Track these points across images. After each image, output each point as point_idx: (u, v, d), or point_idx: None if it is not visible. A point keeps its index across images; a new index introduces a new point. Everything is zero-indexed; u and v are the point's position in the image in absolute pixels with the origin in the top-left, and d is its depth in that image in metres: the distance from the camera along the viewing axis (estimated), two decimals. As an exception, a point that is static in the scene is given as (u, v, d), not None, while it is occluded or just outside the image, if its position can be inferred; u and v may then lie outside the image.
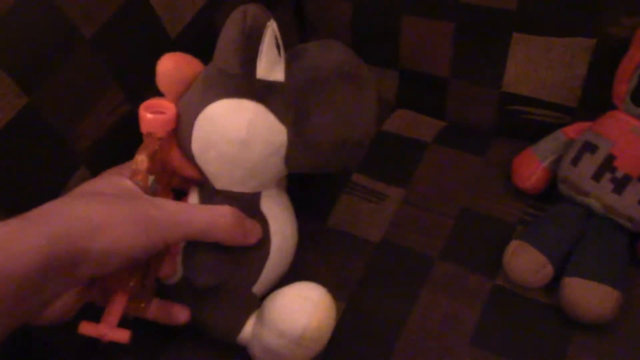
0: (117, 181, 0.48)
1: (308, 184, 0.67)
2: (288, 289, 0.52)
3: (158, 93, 0.53)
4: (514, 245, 0.58)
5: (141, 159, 0.48)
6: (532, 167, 0.62)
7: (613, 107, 0.59)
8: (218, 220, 0.48)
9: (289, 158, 0.51)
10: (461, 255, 0.61)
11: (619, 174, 0.55)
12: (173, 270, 0.52)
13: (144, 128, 0.50)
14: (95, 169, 0.54)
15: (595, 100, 0.64)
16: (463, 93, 0.72)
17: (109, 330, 0.46)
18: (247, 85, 0.48)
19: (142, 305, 0.50)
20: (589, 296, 0.53)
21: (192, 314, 0.53)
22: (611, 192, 0.55)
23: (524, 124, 0.70)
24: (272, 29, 0.49)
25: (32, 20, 0.49)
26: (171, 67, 0.51)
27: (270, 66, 0.49)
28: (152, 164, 0.49)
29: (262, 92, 0.49)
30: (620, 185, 0.55)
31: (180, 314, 0.52)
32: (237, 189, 0.52)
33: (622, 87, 0.57)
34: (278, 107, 0.49)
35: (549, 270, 0.56)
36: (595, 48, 0.62)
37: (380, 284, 0.60)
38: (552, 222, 0.58)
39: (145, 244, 0.43)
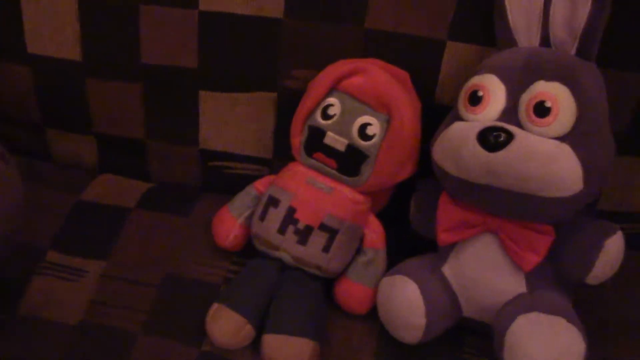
0: None
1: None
2: None
3: None
4: (213, 309, 0.56)
5: None
6: (228, 225, 0.61)
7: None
8: None
9: None
10: (166, 326, 0.58)
11: (301, 225, 0.56)
12: None
13: None
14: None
15: (288, 150, 0.65)
16: (163, 153, 0.70)
17: None
18: None
19: None
20: (286, 351, 0.53)
21: None
22: (296, 244, 0.56)
23: (227, 178, 0.69)
24: None
25: None
26: None
27: None
28: None
29: None
30: (303, 236, 0.56)
31: None
32: None
33: (296, 140, 0.59)
34: None
35: (248, 330, 0.55)
36: (278, 101, 0.63)
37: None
38: (247, 279, 0.58)
39: None
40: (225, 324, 0.55)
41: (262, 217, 0.58)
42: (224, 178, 0.70)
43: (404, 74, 0.58)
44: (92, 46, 0.65)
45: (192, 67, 0.64)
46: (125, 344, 0.57)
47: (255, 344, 0.55)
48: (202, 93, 0.65)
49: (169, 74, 0.64)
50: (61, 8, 0.63)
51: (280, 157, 0.67)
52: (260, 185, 0.62)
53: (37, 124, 0.71)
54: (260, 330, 0.55)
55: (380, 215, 0.60)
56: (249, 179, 0.66)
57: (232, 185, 0.68)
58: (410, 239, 0.62)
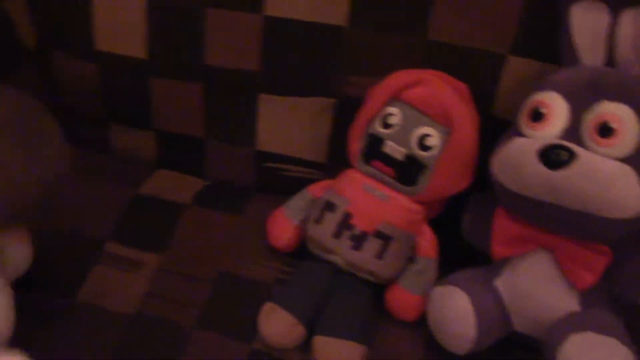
0: None
1: (56, 256, 0.63)
2: None
3: None
4: (266, 308, 0.57)
5: None
6: (283, 227, 0.63)
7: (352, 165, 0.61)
8: None
9: None
10: (219, 322, 0.59)
11: (356, 231, 0.57)
12: None
13: None
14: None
15: (343, 155, 0.66)
16: (220, 152, 0.71)
17: None
18: None
19: None
20: (335, 354, 0.54)
21: None
22: (351, 249, 0.57)
23: (281, 180, 0.71)
24: None
25: None
26: None
27: None
28: None
29: None
30: (358, 242, 0.57)
31: None
32: None
33: (354, 147, 0.60)
34: None
35: (300, 330, 0.56)
36: (336, 106, 0.65)
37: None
38: (301, 281, 0.59)
39: None
40: (278, 323, 0.56)
41: (318, 221, 0.59)
42: (277, 179, 0.71)
43: (464, 87, 0.58)
44: (158, 46, 0.66)
45: (253, 70, 0.65)
46: (179, 337, 0.58)
47: (306, 345, 0.57)
48: (262, 96, 0.66)
49: (230, 76, 0.66)
50: (131, 7, 0.65)
51: (334, 162, 0.68)
52: (315, 189, 0.63)
53: (101, 118, 0.74)
54: (311, 331, 0.56)
55: (430, 223, 0.61)
56: (303, 182, 0.68)
57: (285, 187, 0.70)
58: (459, 247, 0.62)
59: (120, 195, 0.70)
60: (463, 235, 0.62)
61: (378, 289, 0.60)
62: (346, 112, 0.64)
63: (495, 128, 0.57)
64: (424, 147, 0.56)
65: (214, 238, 0.66)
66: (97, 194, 0.70)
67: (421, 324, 0.58)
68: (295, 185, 0.68)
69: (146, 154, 0.75)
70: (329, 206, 0.59)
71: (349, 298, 0.58)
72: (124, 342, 0.58)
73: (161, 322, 0.59)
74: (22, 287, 0.53)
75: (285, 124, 0.67)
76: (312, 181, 0.67)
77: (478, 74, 0.60)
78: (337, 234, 0.57)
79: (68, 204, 0.68)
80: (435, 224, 0.61)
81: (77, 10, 0.67)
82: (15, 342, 0.52)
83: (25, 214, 0.52)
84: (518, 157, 0.50)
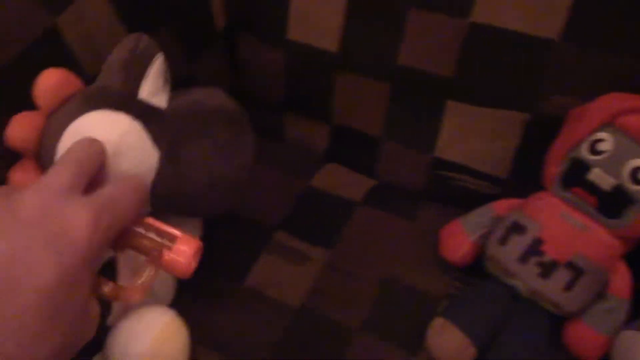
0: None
1: (227, 239, 0.64)
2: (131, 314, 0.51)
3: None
4: (438, 323, 0.56)
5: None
6: (459, 241, 0.61)
7: (542, 187, 0.58)
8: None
9: (157, 186, 0.48)
10: (383, 329, 0.59)
11: (546, 259, 0.54)
12: None
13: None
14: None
15: (525, 173, 0.63)
16: (394, 154, 0.70)
17: None
18: (125, 101, 0.47)
19: None
20: (510, 384, 0.52)
21: None
22: (537, 276, 0.54)
23: (454, 190, 0.69)
24: (161, 59, 0.49)
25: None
26: (53, 83, 0.48)
27: (154, 91, 0.49)
28: None
29: (140, 111, 0.47)
30: (546, 270, 0.54)
31: None
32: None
33: (552, 170, 0.56)
34: (154, 130, 0.47)
35: (471, 351, 0.54)
36: (528, 122, 0.61)
37: (295, 354, 0.57)
38: (476, 300, 0.57)
39: None
40: (450, 341, 0.55)
41: (503, 242, 0.56)
42: (450, 189, 0.69)
43: (687, 120, 0.54)
44: (352, 40, 0.65)
45: (445, 76, 0.63)
46: (341, 337, 0.58)
47: (474, 366, 0.55)
48: (450, 103, 0.64)
49: (421, 79, 0.64)
50: (331, 0, 0.64)
51: (517, 179, 0.65)
52: (500, 207, 0.60)
53: (278, 104, 0.74)
54: (483, 352, 0.54)
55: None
56: (477, 195, 0.66)
57: (457, 198, 0.68)
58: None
59: (292, 185, 0.71)
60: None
61: (556, 319, 0.57)
62: (538, 129, 0.61)
63: None
64: (637, 181, 0.52)
65: (384, 240, 0.65)
66: (270, 182, 0.71)
67: (600, 364, 0.54)
68: (468, 197, 0.66)
69: (317, 146, 0.75)
70: (517, 228, 0.56)
71: (528, 327, 0.55)
72: (287, 334, 0.58)
73: (325, 320, 0.59)
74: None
75: (470, 134, 0.64)
76: (487, 195, 0.64)
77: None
78: (524, 259, 0.55)
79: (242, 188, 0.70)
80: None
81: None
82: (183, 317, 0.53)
83: (221, 209, 0.55)
84: None
